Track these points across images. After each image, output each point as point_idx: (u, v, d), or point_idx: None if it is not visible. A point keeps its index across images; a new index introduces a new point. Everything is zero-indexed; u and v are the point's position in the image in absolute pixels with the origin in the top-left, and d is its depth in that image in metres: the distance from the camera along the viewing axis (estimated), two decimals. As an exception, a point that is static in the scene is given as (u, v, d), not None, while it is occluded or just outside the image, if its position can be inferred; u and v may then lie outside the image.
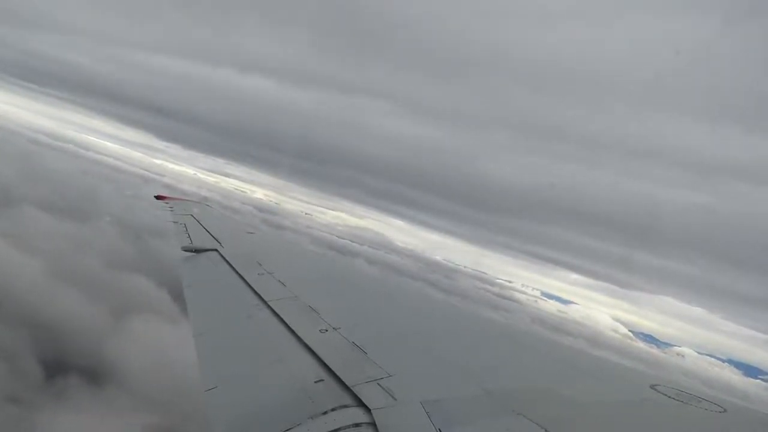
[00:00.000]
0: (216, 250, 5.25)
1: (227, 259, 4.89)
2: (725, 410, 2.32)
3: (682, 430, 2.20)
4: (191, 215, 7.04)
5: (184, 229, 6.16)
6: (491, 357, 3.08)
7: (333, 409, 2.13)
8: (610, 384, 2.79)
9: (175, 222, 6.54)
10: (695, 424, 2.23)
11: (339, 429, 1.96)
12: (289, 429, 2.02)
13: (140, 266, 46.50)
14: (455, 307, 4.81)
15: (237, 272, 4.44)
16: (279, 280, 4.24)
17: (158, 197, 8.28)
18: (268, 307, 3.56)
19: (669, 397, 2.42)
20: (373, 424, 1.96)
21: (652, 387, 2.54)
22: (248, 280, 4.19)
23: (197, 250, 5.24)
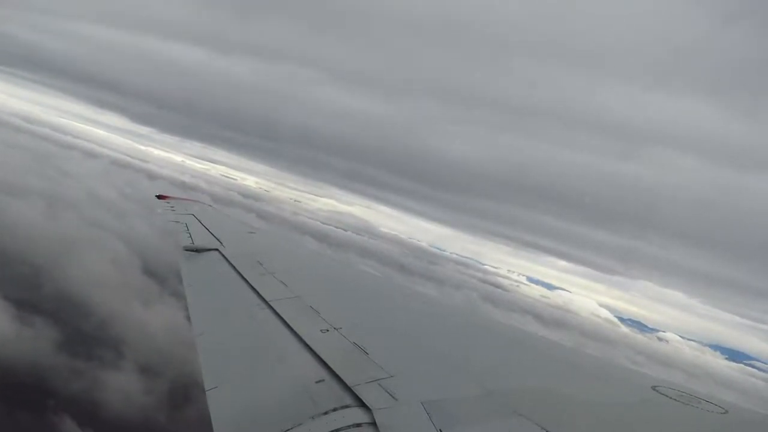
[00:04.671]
0: (217, 249, 5.26)
1: (228, 258, 4.89)
2: (726, 411, 2.32)
3: (683, 431, 2.20)
4: (192, 215, 7.05)
5: (185, 228, 6.17)
6: (492, 357, 3.09)
7: (334, 410, 2.12)
8: (611, 384, 2.79)
9: (176, 221, 6.54)
10: (697, 425, 2.22)
11: (340, 429, 1.96)
12: (290, 429, 2.02)
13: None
14: (456, 308, 4.81)
15: (238, 272, 4.45)
16: (280, 280, 4.24)
17: (159, 197, 8.26)
18: (269, 307, 3.56)
19: (670, 398, 2.42)
20: (374, 425, 1.96)
21: (654, 388, 2.54)
22: (249, 280, 4.19)
23: (198, 250, 5.25)
